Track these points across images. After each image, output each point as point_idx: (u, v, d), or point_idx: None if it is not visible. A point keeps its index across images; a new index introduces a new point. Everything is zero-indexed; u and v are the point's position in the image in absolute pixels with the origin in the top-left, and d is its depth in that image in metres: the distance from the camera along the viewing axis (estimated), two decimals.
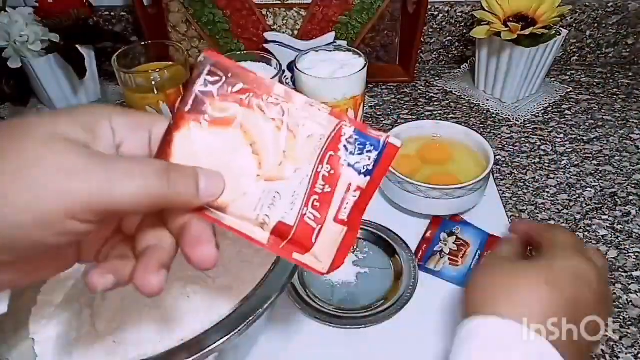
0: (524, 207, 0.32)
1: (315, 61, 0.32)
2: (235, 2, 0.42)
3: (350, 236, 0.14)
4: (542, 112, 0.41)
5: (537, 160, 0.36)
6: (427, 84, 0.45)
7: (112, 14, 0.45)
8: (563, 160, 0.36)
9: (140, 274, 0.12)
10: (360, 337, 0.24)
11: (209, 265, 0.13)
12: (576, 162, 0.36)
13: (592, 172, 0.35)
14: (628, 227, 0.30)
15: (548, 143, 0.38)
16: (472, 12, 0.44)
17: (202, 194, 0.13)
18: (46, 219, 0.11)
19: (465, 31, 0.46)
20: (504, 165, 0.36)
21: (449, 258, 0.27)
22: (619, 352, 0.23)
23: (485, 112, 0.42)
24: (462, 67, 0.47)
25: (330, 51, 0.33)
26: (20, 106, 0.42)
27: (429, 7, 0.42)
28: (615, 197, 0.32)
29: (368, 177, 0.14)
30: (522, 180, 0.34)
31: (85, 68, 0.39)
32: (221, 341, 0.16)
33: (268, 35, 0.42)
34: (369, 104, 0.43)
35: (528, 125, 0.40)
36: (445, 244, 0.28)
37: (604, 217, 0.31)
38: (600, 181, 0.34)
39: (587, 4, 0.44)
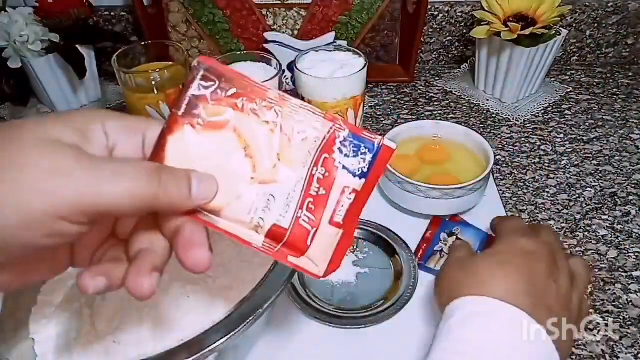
0: (524, 207, 0.32)
1: (315, 61, 0.32)
2: (235, 2, 0.42)
3: (346, 239, 0.14)
4: (542, 112, 0.41)
5: (537, 160, 0.36)
6: (427, 84, 0.45)
7: (112, 14, 0.45)
8: (563, 160, 0.36)
9: (133, 276, 0.13)
10: (360, 337, 0.24)
11: (203, 269, 0.13)
12: (576, 162, 0.36)
13: (592, 172, 0.35)
14: (628, 227, 0.30)
15: (548, 143, 0.38)
16: (472, 12, 0.44)
17: (195, 196, 0.13)
18: (35, 220, 0.11)
19: (465, 31, 0.46)
20: (504, 165, 0.36)
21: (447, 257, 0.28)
22: (619, 352, 0.23)
23: (485, 112, 0.42)
24: (462, 67, 0.47)
25: (330, 51, 0.33)
26: (20, 106, 0.43)
27: (429, 7, 0.42)
28: (615, 197, 0.32)
29: (363, 180, 0.14)
30: (522, 180, 0.34)
31: (85, 68, 0.39)
32: (221, 341, 0.16)
33: (268, 35, 0.42)
34: (369, 104, 0.43)
35: (528, 125, 0.40)
36: (446, 244, 0.28)
37: (604, 217, 0.31)
38: (600, 181, 0.34)
39: (587, 4, 0.44)
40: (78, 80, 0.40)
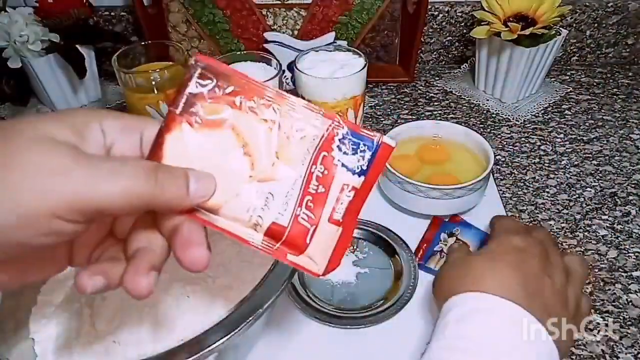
0: (524, 207, 0.32)
1: (315, 61, 0.32)
2: (235, 2, 0.42)
3: (346, 237, 0.14)
4: (542, 112, 0.41)
5: (537, 160, 0.36)
6: (427, 84, 0.45)
7: (112, 14, 0.45)
8: (563, 160, 0.36)
9: (130, 275, 0.12)
10: (360, 337, 0.24)
11: (200, 268, 0.13)
12: (576, 162, 0.36)
13: (592, 172, 0.35)
14: (628, 227, 0.30)
15: (548, 143, 0.38)
16: (472, 12, 0.44)
17: (192, 194, 0.13)
18: (31, 219, 0.11)
19: (465, 31, 0.46)
20: (504, 165, 0.36)
21: (445, 260, 0.28)
22: (619, 352, 0.23)
23: (485, 112, 0.42)
24: (462, 67, 0.47)
25: (330, 51, 0.33)
26: (20, 106, 0.43)
27: (429, 7, 0.42)
28: (615, 197, 0.32)
29: (362, 177, 0.14)
30: (522, 180, 0.34)
31: (85, 68, 0.39)
32: (221, 341, 0.16)
33: (268, 35, 0.42)
34: (369, 104, 0.43)
35: (528, 125, 0.40)
36: (446, 244, 0.28)
37: (603, 217, 0.31)
38: (600, 181, 0.34)
39: (587, 4, 0.44)
40: (78, 80, 0.40)
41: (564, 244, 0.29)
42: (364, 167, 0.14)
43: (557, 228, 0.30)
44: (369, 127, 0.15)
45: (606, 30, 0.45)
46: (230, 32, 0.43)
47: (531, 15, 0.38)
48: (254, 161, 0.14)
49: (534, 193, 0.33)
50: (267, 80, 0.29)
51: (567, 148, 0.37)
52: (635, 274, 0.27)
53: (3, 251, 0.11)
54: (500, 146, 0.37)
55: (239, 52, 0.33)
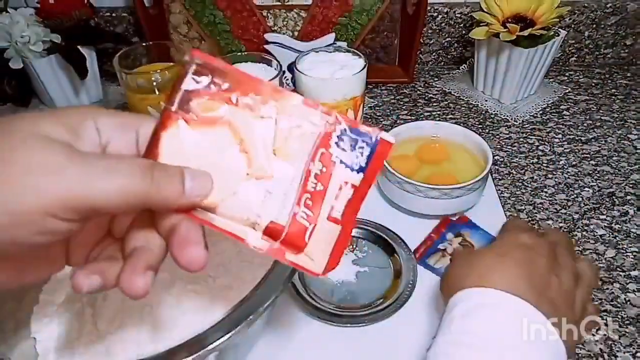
0: (522, 207, 0.32)
1: (315, 62, 0.32)
2: (236, 3, 0.42)
3: (345, 235, 0.14)
4: (541, 112, 0.41)
5: (535, 160, 0.36)
6: (426, 84, 0.45)
7: (114, 14, 0.46)
8: (561, 160, 0.36)
9: (127, 275, 0.12)
10: (360, 336, 0.24)
11: (198, 267, 0.13)
12: (574, 162, 0.36)
13: (590, 172, 0.35)
14: (626, 226, 0.30)
15: (546, 143, 0.38)
16: (471, 13, 0.44)
17: (189, 193, 0.13)
18: (25, 217, 0.11)
19: (464, 32, 0.46)
20: (503, 165, 0.36)
21: (450, 259, 0.27)
22: (617, 351, 0.23)
23: (484, 112, 0.42)
24: (461, 68, 0.47)
25: (330, 52, 0.33)
26: (22, 106, 0.43)
27: (428, 8, 0.42)
28: (613, 197, 0.33)
29: (361, 174, 0.14)
30: (520, 180, 0.34)
31: (87, 69, 0.39)
32: (221, 340, 0.16)
33: (268, 36, 0.42)
34: (369, 105, 0.43)
35: (526, 125, 0.40)
36: (450, 244, 0.28)
37: (602, 216, 0.31)
38: (598, 181, 0.34)
39: (586, 4, 0.44)
40: (79, 81, 0.41)
41: None
42: (363, 164, 0.14)
43: (555, 228, 0.31)
44: (368, 123, 0.15)
45: (605, 31, 0.46)
46: (230, 33, 0.44)
47: (530, 16, 0.38)
48: (251, 158, 0.14)
49: (532, 193, 0.33)
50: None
51: (565, 148, 0.37)
52: (633, 273, 0.27)
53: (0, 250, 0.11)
54: (498, 146, 0.38)
55: (239, 53, 0.33)
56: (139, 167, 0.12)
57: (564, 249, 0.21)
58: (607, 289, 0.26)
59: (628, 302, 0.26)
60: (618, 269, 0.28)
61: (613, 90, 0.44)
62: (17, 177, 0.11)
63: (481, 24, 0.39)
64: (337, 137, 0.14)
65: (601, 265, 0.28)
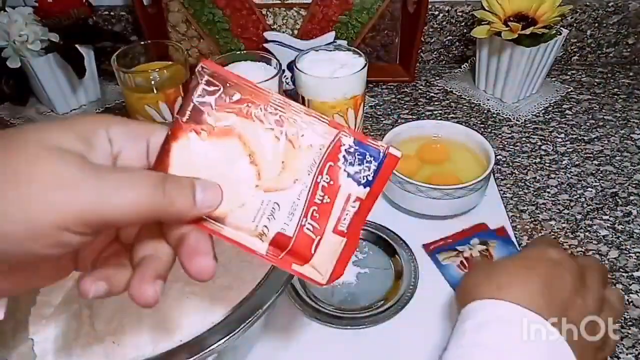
0: (525, 207, 0.32)
1: (315, 61, 0.31)
2: (235, 1, 0.42)
3: (350, 247, 0.14)
4: (543, 111, 0.41)
5: (537, 160, 0.36)
6: (427, 83, 0.45)
7: (112, 13, 0.45)
8: (564, 160, 0.36)
9: (136, 284, 0.13)
10: (361, 338, 0.24)
11: (207, 277, 0.13)
12: (577, 162, 0.35)
13: (593, 172, 0.35)
14: (629, 227, 0.30)
15: (549, 143, 0.38)
16: (472, 12, 0.44)
17: (199, 205, 0.13)
18: (39, 231, 0.11)
19: (465, 31, 0.46)
20: (505, 165, 0.36)
21: (461, 261, 0.27)
22: (620, 353, 0.23)
23: (485, 111, 0.41)
24: (462, 66, 0.47)
25: (330, 51, 0.33)
26: (20, 106, 0.42)
27: (429, 6, 0.42)
28: (616, 197, 0.32)
29: (368, 188, 0.14)
30: (522, 180, 0.34)
31: (85, 68, 0.38)
32: (221, 342, 0.16)
33: (268, 34, 0.42)
34: (369, 104, 0.43)
35: (529, 125, 0.40)
36: (471, 249, 0.28)
37: (604, 217, 0.31)
38: (601, 181, 0.34)
39: (588, 3, 0.44)
40: (77, 80, 0.40)
41: (564, 244, 0.29)
42: (370, 178, 0.14)
43: (557, 228, 0.30)
44: (374, 137, 0.15)
45: (607, 30, 0.45)
46: (230, 31, 0.43)
47: (532, 15, 0.38)
48: (260, 171, 0.14)
49: (535, 193, 0.33)
50: (267, 80, 0.29)
51: (567, 148, 0.37)
52: (636, 274, 0.27)
53: (9, 260, 0.11)
54: (500, 146, 0.37)
55: (238, 52, 0.33)
56: (150, 180, 0.12)
57: (596, 273, 0.20)
58: None
59: (631, 304, 0.26)
60: (621, 269, 0.28)
61: (615, 90, 0.43)
62: (32, 192, 0.11)
63: (483, 23, 0.39)
64: (345, 150, 0.14)
65: (604, 265, 0.28)
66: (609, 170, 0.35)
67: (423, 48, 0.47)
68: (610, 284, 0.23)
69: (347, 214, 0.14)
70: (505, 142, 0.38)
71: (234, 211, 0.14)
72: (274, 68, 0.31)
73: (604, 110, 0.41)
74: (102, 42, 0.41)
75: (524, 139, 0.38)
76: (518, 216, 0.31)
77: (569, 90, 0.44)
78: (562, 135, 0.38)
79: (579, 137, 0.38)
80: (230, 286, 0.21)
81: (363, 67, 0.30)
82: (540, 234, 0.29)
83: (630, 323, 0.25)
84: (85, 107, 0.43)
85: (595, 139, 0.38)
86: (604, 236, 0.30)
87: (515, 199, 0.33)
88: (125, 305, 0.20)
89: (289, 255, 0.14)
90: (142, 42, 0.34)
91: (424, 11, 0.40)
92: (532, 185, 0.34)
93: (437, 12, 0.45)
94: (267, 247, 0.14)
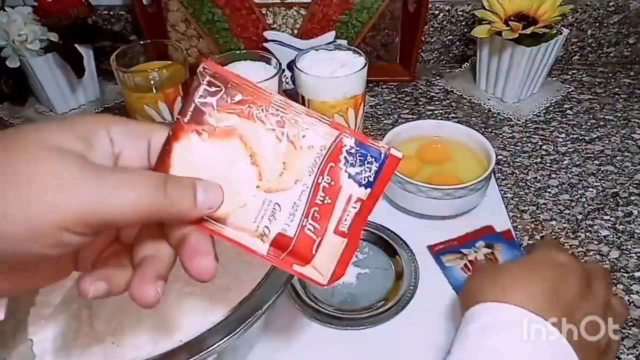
0: (526, 208, 0.32)
1: (315, 60, 0.31)
2: (235, 0, 0.41)
3: (351, 248, 0.14)
4: (544, 111, 0.41)
5: (538, 160, 0.36)
6: (428, 83, 0.45)
7: (111, 13, 0.45)
8: (565, 160, 0.36)
9: (137, 284, 0.13)
10: (361, 338, 0.24)
11: (208, 277, 0.13)
12: (578, 162, 0.35)
13: (594, 172, 0.34)
14: (630, 227, 0.30)
15: (550, 143, 0.37)
16: (473, 11, 0.43)
17: (200, 205, 0.13)
18: (39, 231, 0.11)
19: (466, 30, 0.45)
20: (506, 165, 0.35)
21: (465, 264, 0.27)
22: (621, 353, 0.23)
23: (486, 111, 0.41)
24: (463, 66, 0.47)
25: (331, 50, 0.32)
26: (19, 105, 0.42)
27: (430, 6, 0.42)
28: (617, 197, 0.32)
29: (369, 189, 0.14)
30: (523, 180, 0.34)
31: (84, 67, 0.38)
32: (220, 342, 0.16)
33: (268, 34, 0.42)
34: (370, 104, 0.42)
35: (529, 124, 0.40)
36: (476, 252, 0.27)
37: (605, 217, 0.31)
38: (602, 181, 0.34)
39: (589, 3, 0.44)
40: (76, 80, 0.40)
41: (565, 244, 0.29)
42: (371, 179, 0.14)
43: (558, 228, 0.30)
44: (375, 138, 0.15)
45: (607, 29, 0.45)
46: (229, 31, 0.43)
47: (532, 15, 0.38)
48: (262, 171, 0.14)
49: (536, 193, 0.33)
50: (267, 80, 0.29)
51: (568, 148, 0.37)
52: (637, 274, 0.27)
53: (9, 260, 0.11)
54: (501, 146, 0.37)
55: (238, 51, 0.33)
56: (151, 181, 0.12)
57: (601, 278, 0.20)
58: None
59: (632, 304, 0.25)
60: (622, 270, 0.27)
61: (616, 89, 0.43)
62: (33, 192, 0.11)
63: (483, 22, 0.39)
64: (347, 151, 0.14)
65: (605, 266, 0.28)
66: (610, 170, 0.35)
67: (423, 47, 0.47)
68: (614, 292, 0.24)
69: (348, 215, 0.14)
70: (506, 142, 0.38)
71: (235, 212, 0.14)
72: (274, 67, 0.31)
73: (604, 110, 0.41)
74: (101, 41, 0.41)
75: (524, 138, 0.38)
76: (519, 216, 0.31)
77: (570, 90, 0.44)
78: (563, 135, 0.38)
79: (580, 137, 0.38)
80: (229, 287, 0.21)
81: (363, 67, 0.30)
82: (541, 234, 0.30)
83: (631, 323, 0.24)
84: (85, 106, 0.43)
85: (596, 139, 0.38)
86: (604, 236, 0.30)
87: (516, 199, 0.33)
88: (125, 306, 0.20)
89: (289, 256, 0.14)
90: (142, 42, 0.34)
91: (424, 10, 0.39)
92: (533, 185, 0.34)
93: (437, 12, 0.45)
94: (268, 248, 0.14)
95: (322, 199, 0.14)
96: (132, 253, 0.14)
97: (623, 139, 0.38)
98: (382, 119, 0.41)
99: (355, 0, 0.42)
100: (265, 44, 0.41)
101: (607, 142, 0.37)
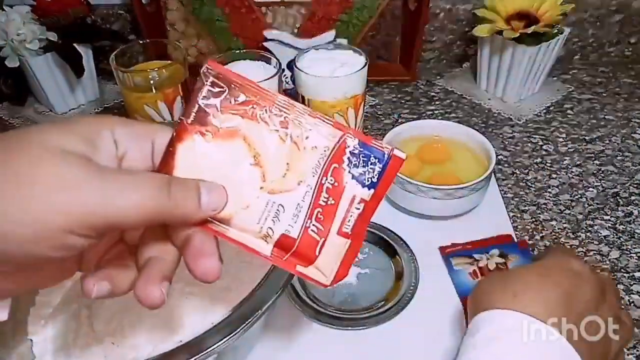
0: (526, 208, 0.32)
1: (315, 60, 0.31)
2: (235, 0, 0.41)
3: (354, 249, 0.14)
4: (544, 111, 0.41)
5: (539, 160, 0.36)
6: (428, 83, 0.45)
7: (110, 12, 0.45)
8: (565, 160, 0.36)
9: (142, 285, 0.13)
10: (361, 339, 0.24)
11: (213, 278, 0.13)
12: (578, 162, 0.35)
13: (595, 172, 0.34)
14: (630, 227, 0.30)
15: (550, 142, 0.37)
16: (473, 11, 0.43)
17: (204, 207, 0.13)
18: (44, 233, 0.11)
19: (467, 30, 0.45)
20: (506, 165, 0.35)
21: (474, 270, 0.26)
22: None
23: (487, 111, 0.41)
24: (463, 66, 0.47)
25: (331, 49, 0.32)
26: (18, 105, 0.42)
27: (430, 5, 0.41)
28: (618, 197, 0.32)
29: (372, 190, 0.14)
30: (524, 180, 0.34)
31: (83, 67, 0.38)
32: (220, 342, 0.16)
33: (268, 33, 0.42)
34: (370, 103, 0.42)
35: (530, 124, 0.40)
36: (488, 259, 0.27)
37: (606, 217, 0.31)
38: (603, 181, 0.34)
39: (590, 2, 0.44)
40: (76, 79, 0.40)
41: (565, 244, 0.29)
42: (374, 180, 0.14)
43: (559, 228, 0.30)
44: (376, 138, 0.15)
45: (609, 29, 0.45)
46: (229, 30, 0.43)
47: (533, 14, 0.37)
48: (265, 172, 0.14)
49: (536, 193, 0.33)
50: (267, 79, 0.29)
51: (569, 148, 0.37)
52: (637, 274, 0.27)
53: (13, 262, 0.11)
54: (502, 146, 0.37)
55: (238, 51, 0.33)
56: (156, 183, 0.12)
57: (613, 290, 0.19)
58: None
59: (632, 304, 0.25)
60: (622, 270, 0.27)
61: (617, 89, 0.43)
62: (37, 195, 0.11)
63: (484, 22, 0.39)
64: (350, 152, 0.14)
65: (605, 266, 0.28)
66: (611, 170, 0.34)
67: (424, 47, 0.46)
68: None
69: (351, 216, 0.14)
70: (507, 142, 0.38)
71: (239, 213, 0.14)
72: (274, 67, 0.31)
73: (605, 110, 0.41)
74: (100, 41, 0.41)
75: (525, 138, 0.38)
76: (519, 216, 0.31)
77: (571, 89, 0.44)
78: (564, 135, 0.38)
79: (581, 137, 0.38)
80: (229, 287, 0.21)
81: (363, 66, 0.30)
82: (541, 234, 0.29)
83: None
84: (84, 106, 0.43)
85: (597, 139, 0.38)
86: (605, 236, 0.30)
87: (517, 199, 0.32)
88: (125, 306, 0.20)
89: (293, 257, 0.14)
90: (141, 41, 0.34)
91: (425, 10, 0.39)
92: (533, 185, 0.34)
93: (438, 11, 0.45)
94: (271, 249, 0.14)
95: (325, 200, 0.14)
96: (136, 254, 0.14)
97: (624, 138, 0.37)
98: (382, 118, 0.41)
99: (356, 0, 0.41)
100: (265, 44, 0.41)
101: (607, 142, 0.37)
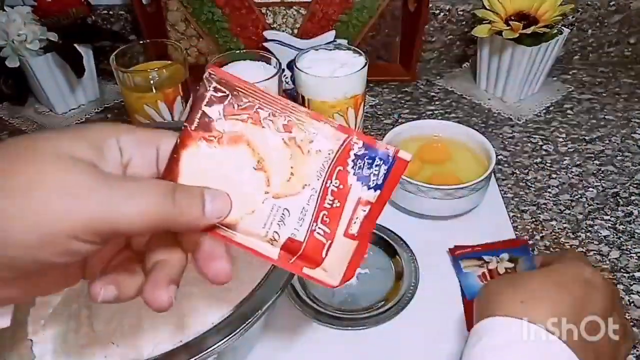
0: (526, 208, 0.32)
1: (315, 60, 0.31)
2: (235, 0, 0.41)
3: (361, 250, 0.14)
4: (544, 111, 0.41)
5: (539, 160, 0.36)
6: (428, 83, 0.45)
7: (111, 12, 0.45)
8: (565, 160, 0.36)
9: (150, 289, 0.13)
10: (361, 339, 0.24)
11: (224, 280, 0.13)
12: (578, 162, 0.35)
13: (594, 172, 0.34)
14: (630, 227, 0.30)
15: (550, 143, 0.37)
16: (473, 11, 0.43)
17: (209, 214, 0.13)
18: (50, 239, 0.11)
19: (466, 30, 0.45)
20: (506, 165, 0.35)
21: (483, 273, 0.26)
22: None
23: (486, 111, 0.41)
24: (463, 66, 0.47)
25: (331, 50, 0.32)
26: (18, 105, 0.42)
27: (430, 5, 0.41)
28: (618, 197, 0.32)
29: (378, 192, 0.14)
30: (523, 180, 0.34)
31: (84, 67, 0.38)
32: (220, 342, 0.16)
33: (267, 33, 0.42)
34: (370, 103, 0.42)
35: (530, 124, 0.40)
36: (498, 263, 0.27)
37: (606, 217, 0.31)
38: (603, 181, 0.34)
39: (589, 2, 0.44)
40: (76, 80, 0.40)
41: (566, 244, 0.29)
42: (379, 182, 0.14)
43: (559, 228, 0.30)
44: (376, 138, 0.15)
45: (608, 29, 0.45)
46: (229, 30, 0.43)
47: (533, 14, 0.37)
48: (270, 177, 0.14)
49: (536, 193, 0.33)
50: (267, 79, 0.29)
51: (569, 148, 0.37)
52: (637, 274, 0.27)
53: (17, 269, 0.11)
54: (501, 146, 0.37)
55: (238, 51, 0.33)
56: (161, 190, 0.12)
57: (618, 298, 0.19)
58: None
59: (632, 304, 0.25)
60: (622, 270, 0.27)
61: (617, 89, 0.43)
62: (44, 200, 0.11)
63: (484, 22, 0.39)
64: (355, 154, 0.14)
65: (605, 266, 0.28)
66: (610, 170, 0.35)
67: (424, 47, 0.46)
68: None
69: (357, 218, 0.14)
70: (506, 142, 0.38)
71: (245, 218, 0.14)
72: (274, 67, 0.31)
73: (605, 110, 0.41)
74: (100, 41, 0.41)
75: (525, 138, 0.38)
76: (519, 216, 0.31)
77: (570, 89, 0.44)
78: (564, 135, 0.38)
79: (580, 137, 0.38)
80: (229, 287, 0.21)
81: (363, 67, 0.30)
82: (541, 234, 0.29)
83: (631, 324, 0.24)
84: (84, 106, 0.43)
85: (597, 139, 0.38)
86: (605, 236, 0.30)
87: (517, 199, 0.32)
88: (125, 306, 0.20)
89: (300, 260, 0.14)
90: (141, 42, 0.34)
91: (424, 10, 0.39)
92: (533, 185, 0.34)
93: (437, 11, 0.45)
94: (278, 252, 0.14)
95: (331, 202, 0.14)
96: (143, 259, 0.14)
97: (623, 138, 0.38)
98: (382, 118, 0.41)
99: (356, 0, 0.41)
100: (265, 44, 0.41)
101: (607, 142, 0.37)
